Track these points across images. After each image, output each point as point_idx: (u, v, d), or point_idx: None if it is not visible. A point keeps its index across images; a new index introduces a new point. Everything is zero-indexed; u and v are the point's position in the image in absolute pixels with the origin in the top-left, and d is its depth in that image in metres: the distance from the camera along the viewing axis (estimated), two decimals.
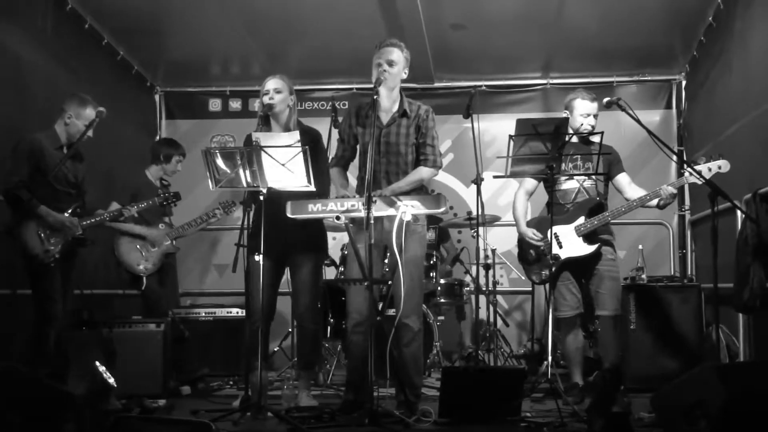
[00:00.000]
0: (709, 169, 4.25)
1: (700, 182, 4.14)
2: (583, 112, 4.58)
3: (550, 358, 4.58)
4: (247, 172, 3.88)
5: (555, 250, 4.36)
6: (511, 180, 5.33)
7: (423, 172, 4.14)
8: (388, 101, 4.17)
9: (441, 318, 5.87)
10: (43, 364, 4.14)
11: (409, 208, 3.82)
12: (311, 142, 3.98)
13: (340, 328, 5.11)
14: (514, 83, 7.11)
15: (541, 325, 5.84)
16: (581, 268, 4.54)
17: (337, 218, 3.84)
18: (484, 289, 5.85)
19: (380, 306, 4.03)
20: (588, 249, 4.46)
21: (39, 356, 4.25)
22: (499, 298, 6.22)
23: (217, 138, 7.23)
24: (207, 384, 5.25)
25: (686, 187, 6.06)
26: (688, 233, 6.73)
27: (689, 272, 6.55)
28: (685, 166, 4.37)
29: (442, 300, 5.80)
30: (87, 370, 3.65)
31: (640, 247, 5.53)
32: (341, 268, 5.73)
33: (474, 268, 5.73)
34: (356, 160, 4.31)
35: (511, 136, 4.02)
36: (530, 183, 4.74)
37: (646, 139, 4.88)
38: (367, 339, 3.78)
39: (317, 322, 4.51)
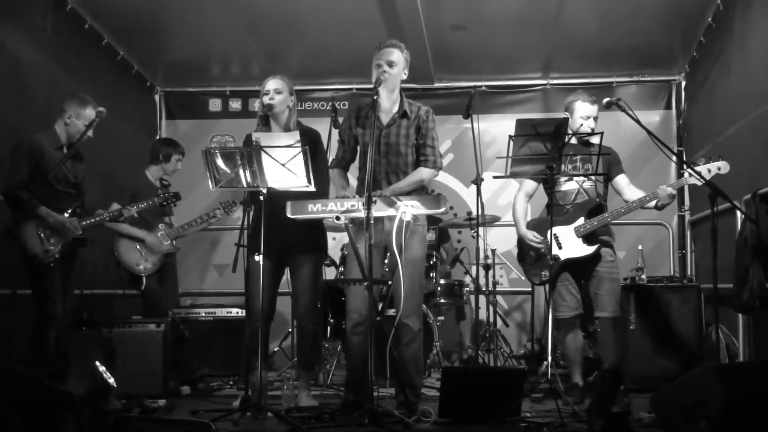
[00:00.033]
0: (709, 171, 4.26)
1: (699, 183, 4.15)
2: (583, 115, 4.59)
3: (549, 358, 4.59)
4: (247, 172, 3.88)
5: (555, 250, 4.36)
6: (511, 180, 5.34)
7: (423, 172, 4.15)
8: (388, 102, 4.17)
9: (441, 318, 5.87)
10: (43, 364, 4.14)
11: (409, 209, 3.82)
12: (311, 143, 3.98)
13: (340, 329, 5.10)
14: (514, 84, 7.11)
15: (540, 326, 5.85)
16: (581, 269, 4.54)
17: (337, 218, 3.84)
18: (483, 289, 5.85)
19: (380, 306, 4.04)
20: (587, 250, 4.46)
21: (39, 356, 4.25)
22: (498, 298, 6.22)
23: (217, 138, 7.23)
24: (207, 384, 5.26)
25: (686, 187, 6.06)
26: (688, 234, 6.73)
27: (689, 273, 6.56)
28: (685, 166, 4.38)
29: (442, 300, 5.81)
30: (87, 370, 3.65)
31: (640, 247, 5.54)
32: (341, 269, 5.73)
33: (474, 268, 5.73)
34: (357, 161, 4.31)
35: (510, 137, 4.02)
36: (530, 185, 4.75)
37: (645, 140, 4.88)
38: (366, 339, 3.78)
39: (317, 322, 4.51)
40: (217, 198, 5.97)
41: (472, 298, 5.61)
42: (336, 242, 6.34)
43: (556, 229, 4.36)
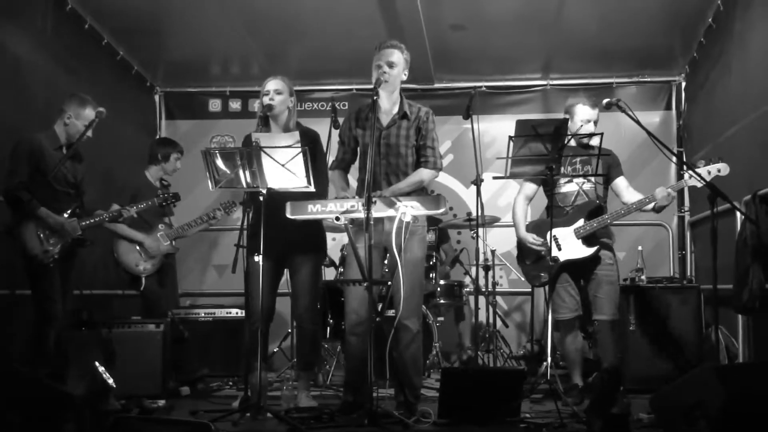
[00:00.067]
0: (709, 172, 4.25)
1: (699, 185, 4.15)
2: (583, 118, 4.60)
3: (549, 359, 4.60)
4: (247, 172, 3.88)
5: (554, 252, 4.37)
6: (511, 181, 5.34)
7: (423, 173, 4.14)
8: (388, 103, 4.17)
9: (440, 319, 5.87)
10: (43, 364, 4.14)
11: (409, 209, 3.82)
12: (310, 144, 3.98)
13: (340, 329, 5.10)
14: (514, 84, 7.11)
15: (540, 326, 5.85)
16: (580, 270, 4.54)
17: (337, 219, 3.84)
18: (483, 290, 5.85)
19: (380, 307, 4.03)
20: (587, 251, 4.46)
21: (39, 356, 4.25)
22: (498, 299, 6.22)
23: (217, 138, 7.24)
24: (206, 384, 5.26)
25: (686, 188, 6.06)
26: (688, 234, 6.73)
27: (689, 273, 6.56)
28: (685, 168, 4.38)
29: (442, 301, 5.80)
30: (86, 370, 3.65)
31: (640, 248, 5.54)
32: (341, 269, 5.73)
33: (473, 269, 5.73)
34: (357, 163, 4.31)
35: (510, 137, 4.02)
36: (530, 188, 4.75)
37: (645, 141, 4.88)
38: (365, 340, 3.78)
39: (316, 322, 4.51)
40: (217, 198, 5.97)
41: (472, 298, 5.60)
42: (336, 243, 6.33)
43: (555, 231, 4.37)
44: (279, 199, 3.93)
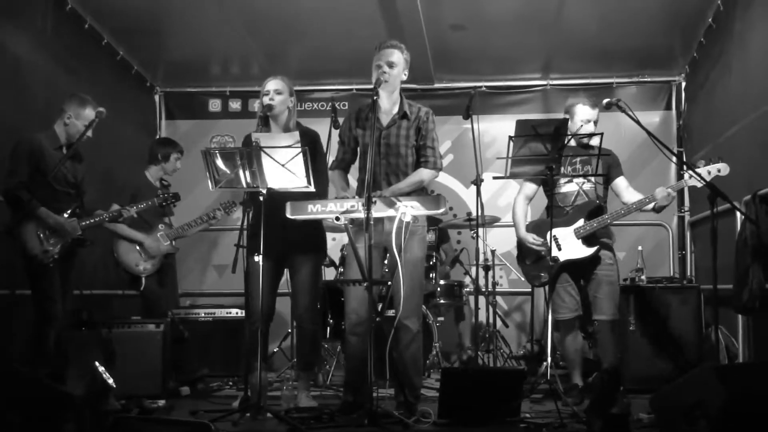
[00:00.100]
0: (709, 173, 4.25)
1: (699, 185, 4.15)
2: (583, 118, 4.60)
3: (549, 359, 4.59)
4: (247, 172, 3.88)
5: (554, 252, 4.37)
6: (511, 181, 5.34)
7: (423, 173, 4.14)
8: (388, 103, 4.17)
9: (440, 319, 5.87)
10: (43, 364, 4.14)
11: (409, 209, 3.82)
12: (310, 144, 3.98)
13: (340, 329, 5.10)
14: (514, 84, 7.11)
15: (540, 326, 5.84)
16: (580, 270, 4.54)
17: (337, 219, 3.84)
18: (483, 290, 5.85)
19: (380, 307, 4.03)
20: (587, 251, 4.46)
21: (39, 356, 4.25)
22: (498, 299, 6.21)
23: (217, 138, 7.24)
24: (206, 384, 5.25)
25: (686, 188, 6.06)
26: (688, 234, 6.73)
27: (689, 273, 6.56)
28: (685, 167, 4.38)
29: (442, 301, 5.80)
30: (86, 370, 3.65)
31: (640, 248, 5.54)
32: (341, 269, 5.73)
33: (473, 269, 5.73)
34: (357, 163, 4.31)
35: (510, 137, 4.02)
36: (530, 188, 4.75)
37: (645, 141, 4.88)
38: (365, 340, 3.78)
39: (316, 322, 4.51)
40: (217, 198, 5.97)
41: (472, 298, 5.60)
42: (336, 243, 6.33)
43: (555, 231, 4.37)
44: (279, 199, 3.93)
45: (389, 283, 4.06)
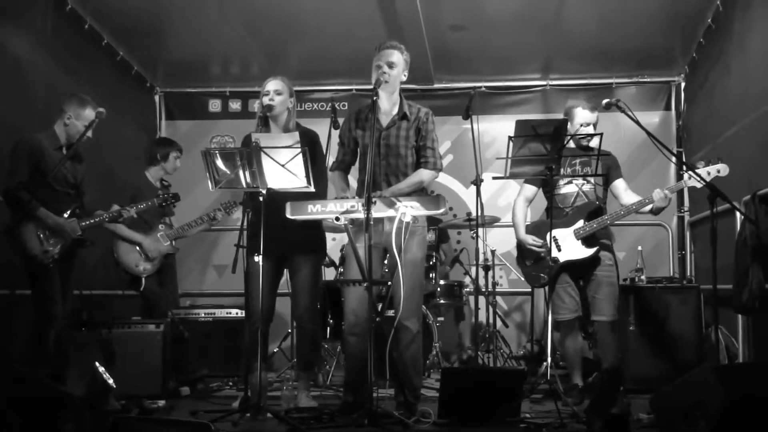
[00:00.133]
0: (708, 173, 4.26)
1: (699, 185, 4.15)
2: (582, 121, 4.61)
3: (549, 359, 4.59)
4: (247, 173, 3.88)
5: (554, 253, 4.37)
6: (511, 181, 5.34)
7: (423, 174, 4.15)
8: (388, 103, 4.17)
9: (440, 319, 5.87)
10: (43, 364, 4.14)
11: (409, 210, 3.82)
12: (310, 144, 3.98)
13: (340, 329, 5.09)
14: (514, 84, 7.12)
15: (540, 326, 5.85)
16: (580, 271, 4.55)
17: (337, 219, 3.84)
18: (483, 290, 5.85)
19: (379, 307, 4.03)
20: (587, 252, 4.47)
21: (39, 356, 4.25)
22: (498, 299, 6.22)
23: (217, 139, 7.24)
24: (206, 385, 5.26)
25: (685, 188, 6.06)
26: (688, 234, 6.73)
27: (688, 273, 6.56)
28: (685, 168, 4.38)
29: (442, 301, 5.81)
30: (86, 370, 3.65)
31: (640, 248, 5.54)
32: (340, 269, 5.73)
33: (473, 269, 5.73)
34: (357, 163, 4.31)
35: (510, 138, 4.02)
36: (530, 190, 4.75)
37: (645, 141, 4.88)
38: (364, 340, 3.78)
39: (316, 322, 4.51)
40: (217, 198, 5.98)
41: (472, 298, 5.61)
42: (335, 243, 6.33)
43: (555, 232, 4.38)
44: (279, 199, 3.93)
45: (389, 283, 4.06)
